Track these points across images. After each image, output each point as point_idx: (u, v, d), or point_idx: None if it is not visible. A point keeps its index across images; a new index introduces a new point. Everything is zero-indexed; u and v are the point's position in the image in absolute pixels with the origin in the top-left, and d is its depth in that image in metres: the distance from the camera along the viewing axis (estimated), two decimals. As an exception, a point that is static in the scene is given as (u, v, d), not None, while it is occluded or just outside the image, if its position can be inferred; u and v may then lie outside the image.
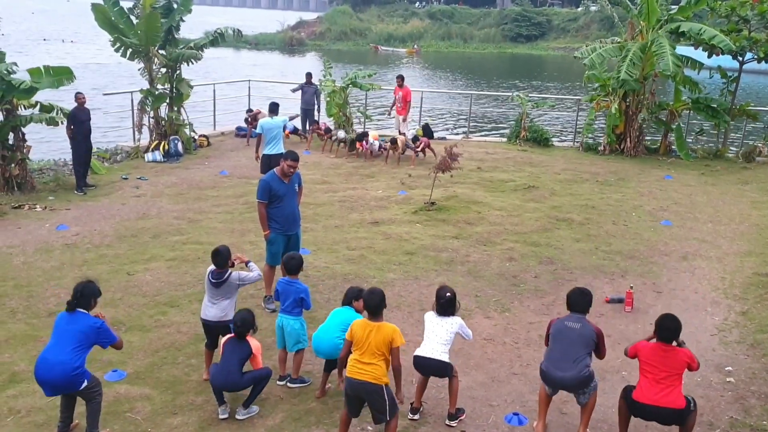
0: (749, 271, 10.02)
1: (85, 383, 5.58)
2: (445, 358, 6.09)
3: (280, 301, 6.81)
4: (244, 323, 6.18)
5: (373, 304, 5.59)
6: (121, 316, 8.06)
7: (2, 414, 6.14)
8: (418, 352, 6.17)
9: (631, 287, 8.88)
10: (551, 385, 5.92)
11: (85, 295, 5.63)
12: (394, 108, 18.11)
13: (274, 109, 13.13)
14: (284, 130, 12.96)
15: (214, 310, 6.59)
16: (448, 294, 6.13)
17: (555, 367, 5.81)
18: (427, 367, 6.15)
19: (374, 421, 5.68)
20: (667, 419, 5.66)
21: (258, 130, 12.68)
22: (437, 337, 6.09)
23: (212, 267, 6.69)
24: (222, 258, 6.59)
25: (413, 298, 8.72)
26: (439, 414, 6.35)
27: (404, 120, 17.93)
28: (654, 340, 5.74)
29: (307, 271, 9.18)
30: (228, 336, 6.30)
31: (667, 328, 5.66)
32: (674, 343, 5.66)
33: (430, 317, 6.24)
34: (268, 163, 11.84)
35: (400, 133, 17.53)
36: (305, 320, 6.85)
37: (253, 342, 6.24)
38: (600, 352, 5.94)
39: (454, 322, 6.15)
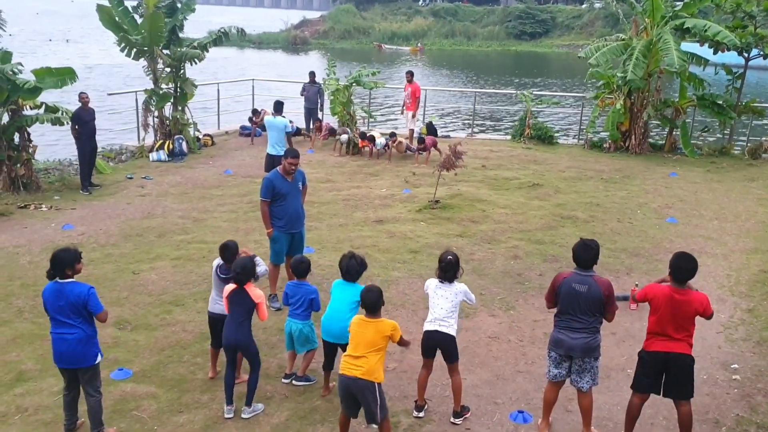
0: (755, 269, 10.00)
1: (99, 358, 5.66)
2: (452, 331, 6.04)
3: (289, 304, 6.79)
4: (244, 270, 6.08)
5: (370, 301, 5.54)
6: (126, 314, 8.08)
7: (10, 412, 6.16)
8: (426, 326, 6.13)
9: (637, 285, 8.86)
10: (563, 350, 5.80)
11: (58, 264, 5.53)
12: (404, 105, 18.07)
13: (278, 108, 13.12)
14: (291, 130, 12.90)
15: (221, 305, 6.56)
16: (450, 257, 6.06)
17: (566, 335, 5.74)
18: (433, 341, 6.10)
19: (366, 420, 5.63)
20: (676, 367, 5.55)
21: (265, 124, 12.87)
22: (442, 309, 6.05)
23: (219, 261, 6.68)
24: (231, 252, 6.56)
25: (418, 296, 8.71)
26: (443, 412, 6.35)
27: (413, 116, 17.92)
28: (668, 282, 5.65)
29: (311, 270, 9.18)
30: (230, 288, 6.20)
31: (682, 269, 5.55)
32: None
33: (433, 286, 6.17)
34: (271, 163, 11.85)
35: (410, 130, 17.53)
36: (313, 322, 6.84)
37: (254, 291, 6.13)
38: (608, 312, 5.74)
39: (458, 290, 6.08)
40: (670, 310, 5.52)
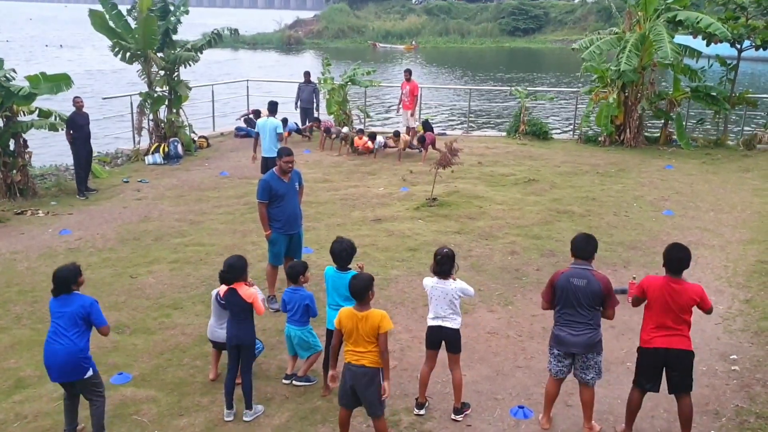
0: (752, 259, 10.02)
1: (90, 372, 5.63)
2: (455, 325, 6.06)
3: (286, 311, 6.79)
4: (231, 269, 6.05)
5: (356, 290, 5.41)
6: (125, 319, 8.08)
7: (9, 419, 6.16)
8: (430, 322, 6.15)
9: (634, 278, 8.86)
10: (565, 347, 5.81)
11: (62, 281, 5.58)
12: (401, 103, 18.07)
13: (273, 108, 13.06)
14: (282, 131, 12.79)
15: (223, 331, 6.43)
16: (446, 250, 6.06)
17: (567, 332, 5.75)
18: (438, 335, 6.11)
19: (368, 412, 5.62)
20: (675, 363, 5.56)
21: (255, 129, 12.72)
22: (442, 306, 6.06)
23: (217, 290, 6.51)
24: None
25: (417, 294, 8.72)
26: (444, 409, 6.36)
27: (412, 114, 17.92)
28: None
29: (310, 270, 9.15)
30: (223, 291, 6.17)
31: (675, 259, 5.56)
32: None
33: (430, 283, 6.15)
34: (266, 165, 11.85)
35: (408, 128, 17.56)
36: (312, 327, 6.84)
37: (245, 291, 6.06)
38: (607, 307, 5.73)
39: (455, 288, 6.07)
40: (667, 300, 5.52)
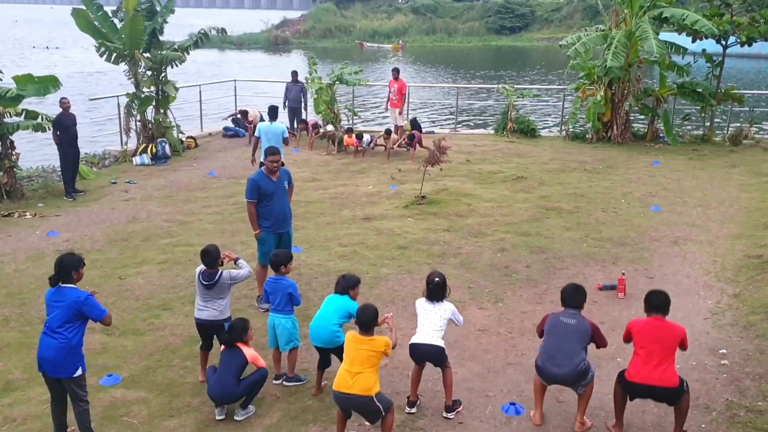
0: (740, 254, 10.08)
1: (80, 371, 5.58)
2: (441, 343, 6.09)
3: (270, 301, 6.78)
4: (231, 331, 6.20)
5: (365, 320, 5.55)
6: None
7: (-2, 423, 6.11)
8: (414, 339, 6.18)
9: (623, 274, 8.92)
10: (548, 380, 5.95)
11: (64, 267, 5.55)
12: (389, 102, 18.06)
13: (273, 113, 12.64)
14: (287, 136, 12.29)
15: (208, 311, 6.57)
16: (437, 279, 6.14)
17: (551, 363, 5.83)
18: (423, 353, 6.14)
19: (369, 422, 5.69)
20: (660, 397, 5.69)
21: (257, 134, 12.24)
22: (431, 324, 6.10)
23: (201, 267, 6.65)
24: (212, 257, 6.56)
25: (407, 292, 8.72)
26: (436, 407, 6.36)
27: (400, 113, 17.92)
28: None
29: (299, 269, 9.18)
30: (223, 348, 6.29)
31: (657, 298, 5.73)
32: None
33: (422, 304, 6.24)
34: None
35: (396, 127, 17.55)
36: (297, 318, 6.82)
37: (248, 351, 6.19)
38: (598, 344, 5.98)
39: (447, 309, 6.16)
40: (653, 336, 5.60)
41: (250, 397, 6.22)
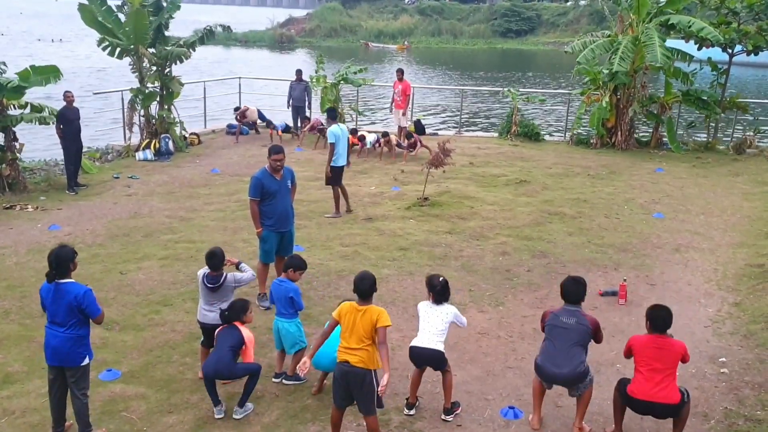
0: (742, 263, 10.07)
1: (87, 360, 5.60)
2: (441, 347, 6.08)
3: (275, 304, 6.78)
4: (231, 309, 6.20)
5: (363, 288, 5.53)
6: (114, 315, 8.02)
7: (-4, 415, 6.11)
8: (414, 342, 6.16)
9: (625, 280, 8.91)
10: (547, 380, 5.95)
11: (62, 261, 5.50)
12: (393, 103, 18.06)
13: (333, 115, 12.21)
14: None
15: (213, 314, 6.51)
16: (442, 279, 6.14)
17: (551, 364, 5.83)
18: (423, 357, 6.13)
19: (360, 410, 5.63)
20: (662, 414, 5.69)
21: (331, 140, 11.55)
22: (433, 327, 6.08)
23: (205, 270, 6.63)
24: (218, 259, 6.53)
25: (408, 294, 8.72)
26: (434, 409, 6.35)
27: (404, 114, 17.93)
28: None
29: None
30: (220, 327, 6.29)
31: (660, 317, 5.68)
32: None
33: (425, 307, 6.22)
34: (340, 174, 11.77)
35: (400, 128, 17.55)
36: (301, 321, 6.81)
37: (246, 332, 6.20)
38: (597, 341, 5.98)
39: (449, 311, 6.14)
40: (654, 355, 5.58)
41: (246, 392, 6.20)
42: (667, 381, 5.56)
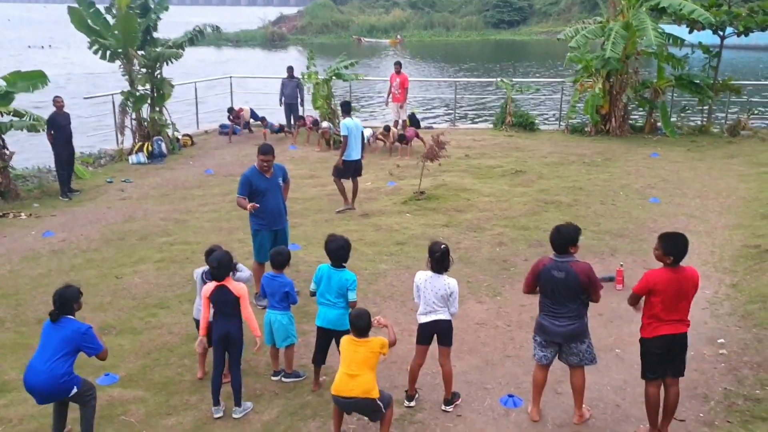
0: (738, 244, 10.06)
1: (75, 390, 5.49)
2: (447, 316, 6.03)
3: (267, 297, 6.74)
4: (220, 264, 5.96)
5: (360, 326, 5.44)
6: (111, 319, 8.00)
7: (-6, 423, 6.08)
8: (422, 319, 6.08)
9: (621, 265, 8.89)
10: (549, 336, 5.81)
11: (65, 301, 5.48)
12: (390, 96, 17.98)
13: (348, 109, 12.19)
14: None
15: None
16: (443, 246, 5.99)
17: (550, 321, 5.77)
18: (432, 329, 6.07)
19: (371, 420, 5.66)
20: (680, 347, 5.55)
21: (344, 132, 11.59)
22: (434, 300, 5.99)
23: (203, 269, 6.57)
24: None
25: (406, 288, 8.68)
26: (434, 400, 6.34)
27: (401, 107, 17.85)
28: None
29: (297, 266, 9.15)
30: (211, 288, 6.05)
31: (675, 249, 5.44)
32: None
33: (424, 277, 6.06)
34: (355, 168, 11.74)
35: (396, 122, 17.50)
36: (293, 315, 6.78)
37: (236, 286, 6.02)
38: (591, 294, 5.73)
39: (450, 284, 5.98)
40: (675, 291, 5.43)
41: (236, 390, 6.14)
42: (685, 314, 5.48)
